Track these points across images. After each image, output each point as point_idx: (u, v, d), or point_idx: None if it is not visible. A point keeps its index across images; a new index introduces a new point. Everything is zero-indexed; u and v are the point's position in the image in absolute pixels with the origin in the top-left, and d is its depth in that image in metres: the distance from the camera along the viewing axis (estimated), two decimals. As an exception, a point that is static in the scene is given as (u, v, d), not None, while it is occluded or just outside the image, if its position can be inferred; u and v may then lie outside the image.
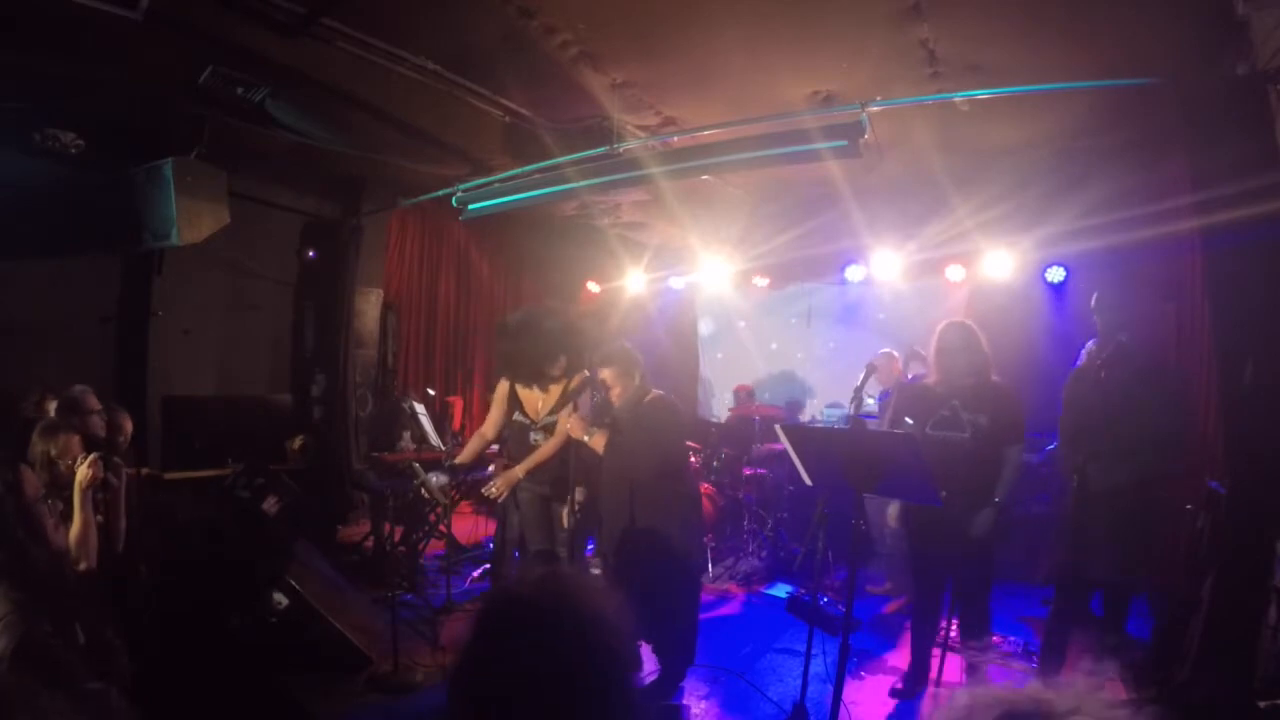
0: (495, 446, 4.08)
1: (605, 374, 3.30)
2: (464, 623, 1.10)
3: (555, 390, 3.63)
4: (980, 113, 3.52)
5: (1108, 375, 3.10)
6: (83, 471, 2.81)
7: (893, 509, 3.59)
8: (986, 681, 3.31)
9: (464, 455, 3.88)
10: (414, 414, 5.48)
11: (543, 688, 0.99)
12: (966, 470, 3.08)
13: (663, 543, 3.22)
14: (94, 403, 3.65)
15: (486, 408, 4.01)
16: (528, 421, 3.68)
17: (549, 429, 3.63)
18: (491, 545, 5.34)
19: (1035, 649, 3.82)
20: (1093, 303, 3.32)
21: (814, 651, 2.90)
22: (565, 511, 3.35)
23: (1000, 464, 3.17)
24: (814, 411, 7.51)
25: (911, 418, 3.34)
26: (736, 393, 6.74)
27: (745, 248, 7.05)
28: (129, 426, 3.89)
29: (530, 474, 3.62)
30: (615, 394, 3.29)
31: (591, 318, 3.68)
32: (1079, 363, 3.33)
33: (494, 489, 3.61)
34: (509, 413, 3.75)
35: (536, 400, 3.68)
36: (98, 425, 3.59)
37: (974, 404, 3.18)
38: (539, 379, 3.61)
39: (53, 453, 2.83)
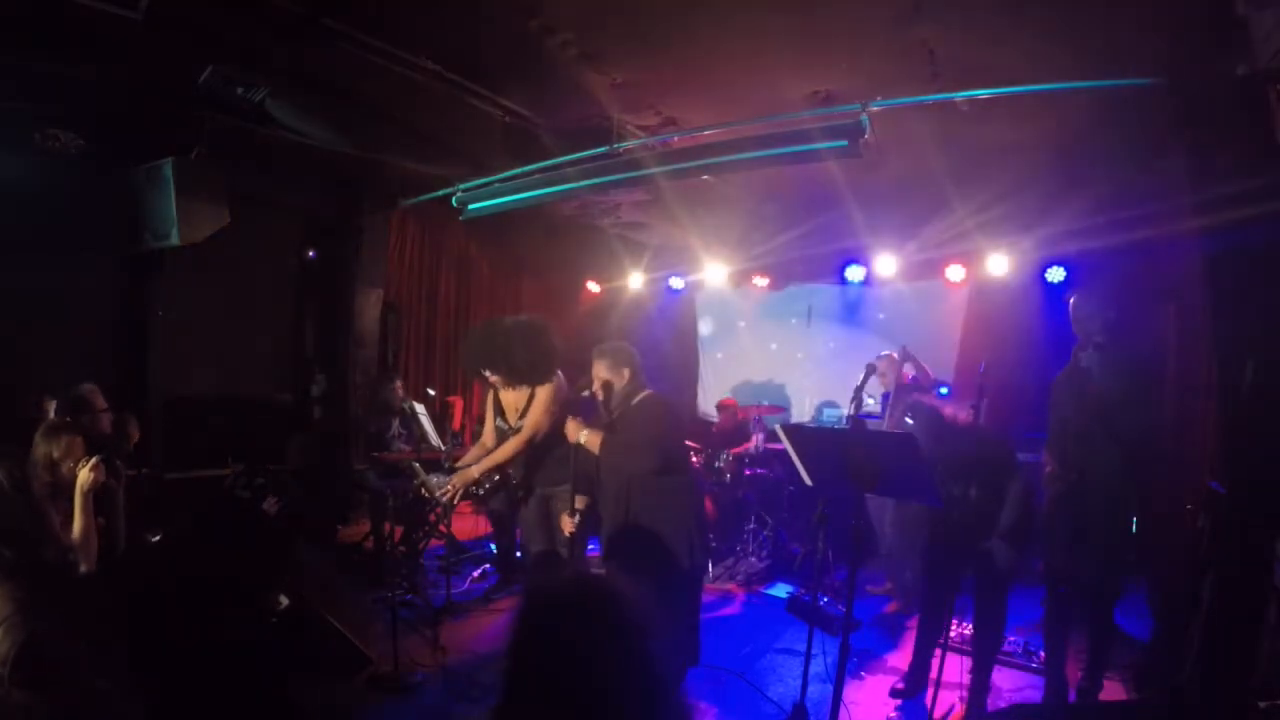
0: None
1: (596, 367, 3.30)
2: (506, 622, 1.15)
3: (525, 394, 3.66)
4: (980, 113, 3.51)
5: (1081, 379, 3.12)
6: (85, 474, 2.80)
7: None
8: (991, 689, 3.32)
9: (466, 460, 3.89)
10: (414, 414, 5.48)
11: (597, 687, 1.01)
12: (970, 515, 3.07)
13: (659, 542, 3.21)
14: (101, 401, 3.66)
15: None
16: (506, 427, 3.71)
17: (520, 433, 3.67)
18: (491, 546, 5.36)
19: (1035, 648, 3.83)
20: (1071, 311, 3.29)
21: (814, 651, 2.90)
22: (566, 515, 3.34)
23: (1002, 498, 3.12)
24: (808, 412, 7.49)
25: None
26: (721, 408, 6.64)
27: (745, 248, 7.04)
28: (136, 434, 3.91)
29: (542, 478, 3.65)
30: (601, 383, 3.29)
31: (542, 327, 3.69)
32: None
33: (447, 490, 3.60)
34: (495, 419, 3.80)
35: (514, 406, 3.70)
36: (105, 424, 3.60)
37: (960, 471, 3.09)
38: (482, 379, 3.73)
39: (55, 454, 2.82)
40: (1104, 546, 3.10)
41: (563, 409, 3.43)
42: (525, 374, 3.56)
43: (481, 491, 3.76)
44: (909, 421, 3.60)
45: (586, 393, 3.32)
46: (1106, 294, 3.18)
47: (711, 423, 7.57)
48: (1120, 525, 3.14)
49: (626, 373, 3.30)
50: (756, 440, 5.92)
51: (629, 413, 3.27)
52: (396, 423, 5.55)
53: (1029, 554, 3.24)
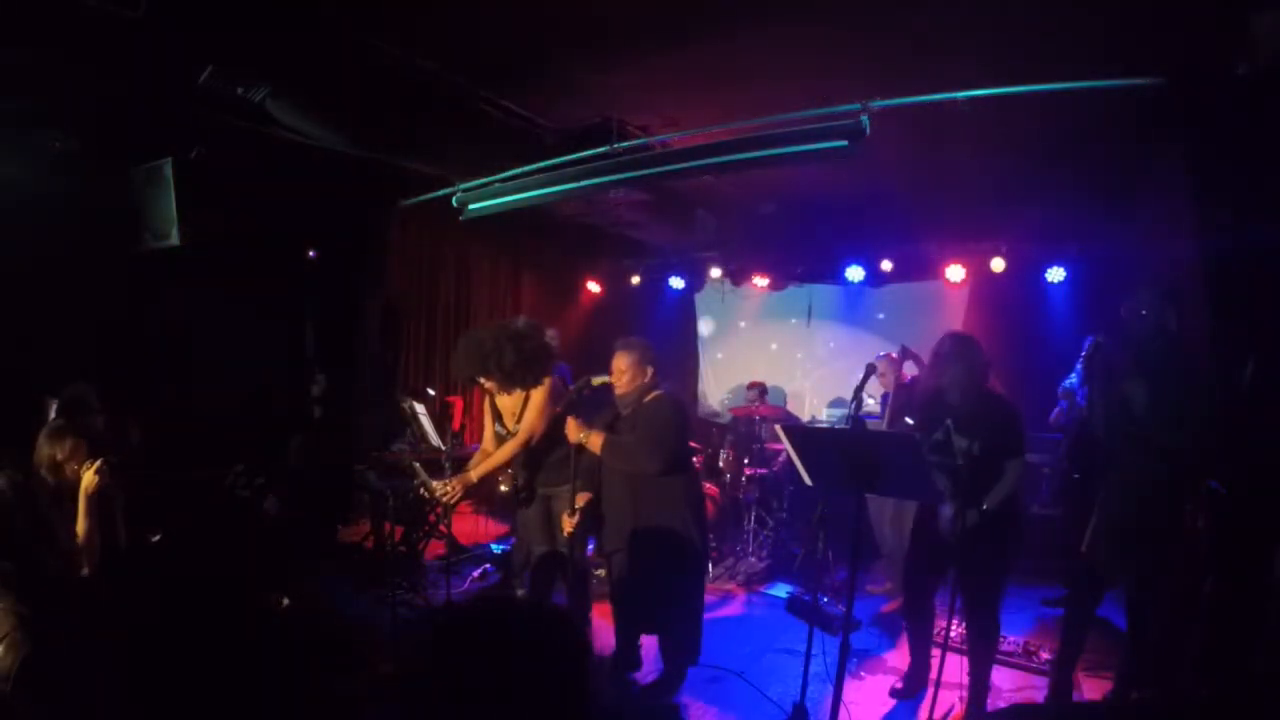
0: None
1: (620, 360, 3.26)
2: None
3: (520, 398, 3.66)
4: (980, 113, 3.51)
5: (1109, 375, 3.08)
6: (89, 477, 2.80)
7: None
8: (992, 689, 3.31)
9: (471, 466, 3.89)
10: (414, 414, 5.48)
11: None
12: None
13: (662, 542, 3.21)
14: (95, 402, 3.66)
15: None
16: (504, 432, 3.71)
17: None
18: (493, 547, 5.37)
19: (1035, 649, 3.83)
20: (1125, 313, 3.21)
21: (814, 651, 2.89)
22: (566, 514, 3.34)
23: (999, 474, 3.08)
24: (809, 412, 7.51)
25: (915, 422, 3.31)
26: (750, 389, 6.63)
27: (745, 248, 7.04)
28: (136, 435, 3.91)
29: (542, 479, 3.65)
30: (624, 381, 3.26)
31: (534, 329, 3.68)
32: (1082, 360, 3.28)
33: (447, 491, 3.60)
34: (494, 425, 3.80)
35: (510, 411, 3.70)
36: (99, 424, 3.59)
37: (967, 426, 3.08)
38: (477, 385, 3.72)
39: (59, 457, 2.81)
40: (1142, 550, 3.02)
41: (565, 410, 3.42)
42: (518, 377, 3.55)
43: (515, 487, 3.76)
44: (908, 421, 3.60)
45: (587, 390, 3.31)
46: (1163, 299, 3.11)
47: (714, 423, 7.59)
48: (1167, 523, 3.03)
49: (650, 371, 3.30)
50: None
51: (641, 410, 3.26)
52: (408, 432, 5.57)
53: (1014, 555, 3.21)
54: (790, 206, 6.32)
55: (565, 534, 3.37)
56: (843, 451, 2.67)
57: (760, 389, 6.45)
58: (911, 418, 4.95)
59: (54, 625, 2.56)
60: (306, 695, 3.17)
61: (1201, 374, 3.00)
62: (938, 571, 3.32)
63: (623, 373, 3.26)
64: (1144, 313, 3.10)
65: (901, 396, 4.93)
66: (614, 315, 8.28)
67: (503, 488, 3.74)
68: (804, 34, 3.34)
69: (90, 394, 3.73)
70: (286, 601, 3.42)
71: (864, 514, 2.78)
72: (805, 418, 7.29)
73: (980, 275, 6.28)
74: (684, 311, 8.52)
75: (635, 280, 8.09)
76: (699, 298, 8.45)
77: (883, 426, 4.88)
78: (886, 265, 6.65)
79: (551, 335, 4.96)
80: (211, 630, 3.19)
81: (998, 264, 6.07)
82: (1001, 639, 3.77)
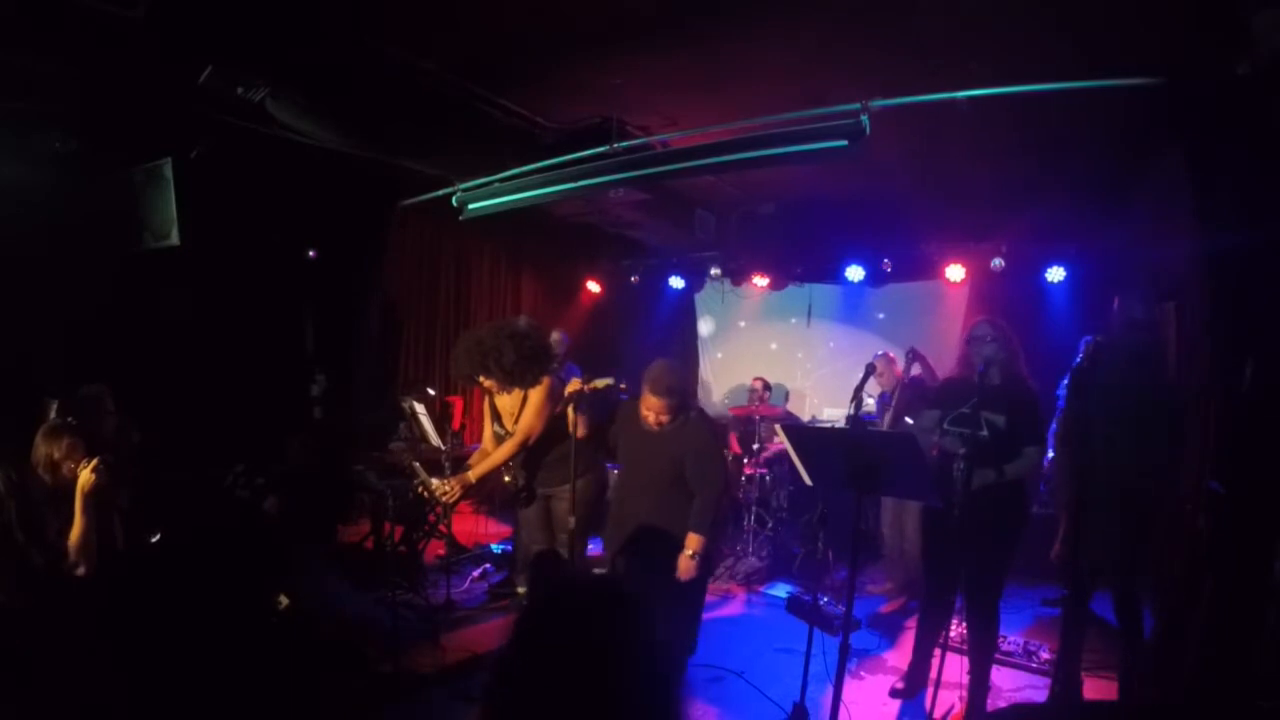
0: None
1: (659, 404, 3.15)
2: (506, 622, 1.15)
3: (518, 398, 3.66)
4: (980, 112, 3.51)
5: (1092, 374, 3.09)
6: (85, 476, 2.80)
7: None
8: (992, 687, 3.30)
9: (470, 465, 3.90)
10: (414, 413, 5.48)
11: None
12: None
13: (678, 540, 3.22)
14: (110, 403, 3.65)
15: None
16: (503, 432, 3.71)
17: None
18: (494, 547, 5.36)
19: (1035, 649, 3.83)
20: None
21: (814, 651, 2.90)
22: (565, 510, 3.34)
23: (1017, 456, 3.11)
24: (813, 411, 7.51)
25: (939, 409, 3.29)
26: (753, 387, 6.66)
27: (745, 248, 7.04)
28: (136, 435, 3.90)
29: (541, 479, 3.65)
30: (665, 422, 3.20)
31: (534, 329, 3.67)
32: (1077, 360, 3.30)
33: (447, 491, 3.60)
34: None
35: (509, 411, 3.70)
36: (111, 427, 3.59)
37: (994, 403, 3.10)
38: (476, 384, 3.72)
39: (56, 456, 2.81)
40: (1118, 548, 3.06)
41: (578, 409, 3.41)
42: (517, 376, 3.55)
43: (518, 485, 3.76)
44: (908, 421, 3.59)
45: (588, 389, 3.31)
46: (1142, 293, 3.14)
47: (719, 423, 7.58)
48: (1137, 527, 3.09)
49: (688, 405, 3.29)
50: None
51: (682, 434, 3.24)
52: (402, 426, 5.56)
53: (1016, 555, 3.23)
54: (790, 206, 6.32)
55: (565, 528, 3.38)
56: (843, 451, 2.67)
57: (764, 383, 6.47)
58: (913, 417, 4.96)
59: (38, 619, 2.57)
60: (306, 695, 3.17)
61: (1163, 377, 3.02)
62: (956, 566, 3.30)
63: (662, 413, 3.18)
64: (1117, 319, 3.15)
65: (904, 395, 4.94)
66: (614, 315, 8.28)
67: (506, 478, 3.75)
68: (805, 34, 3.34)
69: (105, 395, 3.72)
70: (286, 601, 3.42)
71: (865, 514, 2.78)
72: (806, 418, 7.28)
73: (980, 275, 6.28)
74: (684, 311, 8.51)
75: (635, 280, 8.09)
76: (699, 298, 8.44)
77: (882, 427, 4.88)
78: (886, 265, 6.64)
79: (559, 338, 4.96)
80: (211, 631, 3.19)
81: (998, 264, 6.07)
82: (1001, 639, 3.78)
